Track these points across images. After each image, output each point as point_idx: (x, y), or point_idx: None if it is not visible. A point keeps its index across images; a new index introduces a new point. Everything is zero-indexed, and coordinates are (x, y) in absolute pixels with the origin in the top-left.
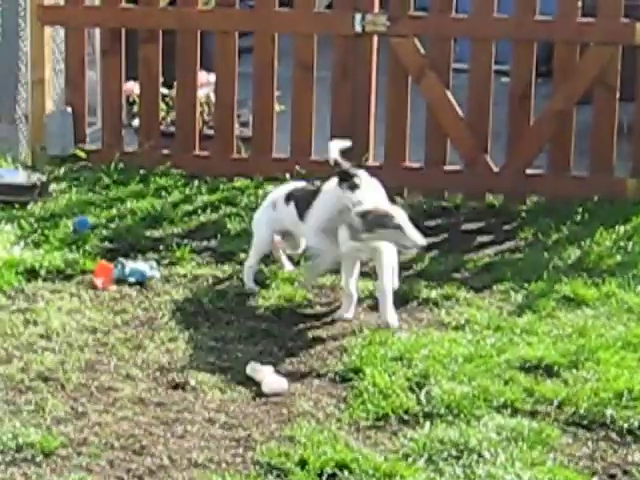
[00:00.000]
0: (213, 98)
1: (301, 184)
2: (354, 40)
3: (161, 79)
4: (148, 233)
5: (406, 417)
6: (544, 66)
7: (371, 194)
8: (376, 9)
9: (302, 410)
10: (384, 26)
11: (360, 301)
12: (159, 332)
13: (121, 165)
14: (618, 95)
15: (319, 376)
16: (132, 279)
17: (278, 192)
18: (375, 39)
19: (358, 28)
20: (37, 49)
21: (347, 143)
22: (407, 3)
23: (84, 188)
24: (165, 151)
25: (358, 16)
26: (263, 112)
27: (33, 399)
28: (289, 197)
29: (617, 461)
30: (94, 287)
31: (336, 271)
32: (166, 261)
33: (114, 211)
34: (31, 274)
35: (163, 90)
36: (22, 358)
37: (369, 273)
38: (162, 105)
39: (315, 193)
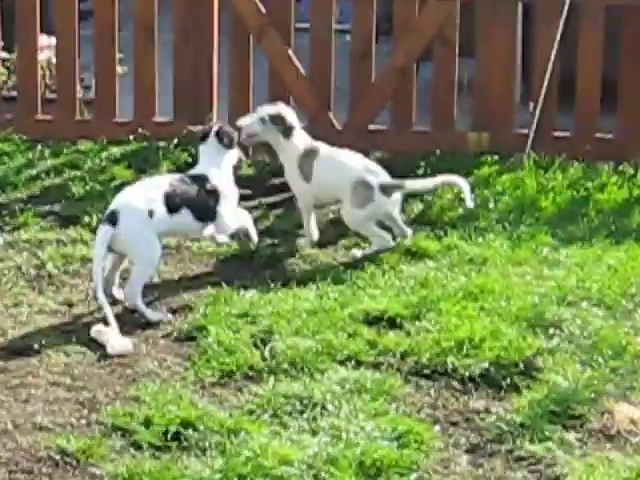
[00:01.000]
0: (55, 61)
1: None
2: (194, 1)
3: (1, 43)
4: None
5: (251, 373)
6: (386, 24)
7: None
8: None
9: (147, 370)
10: None
11: (204, 260)
12: (2, 298)
13: None
14: (458, 51)
15: (164, 336)
16: None
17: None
18: None
19: None
20: None
21: None
22: None
23: None
24: (7, 116)
25: None
26: (105, 75)
27: None
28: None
29: (459, 408)
30: None
31: None
32: (9, 227)
33: None
34: None
35: (3, 54)
36: None
37: None
38: (2, 69)
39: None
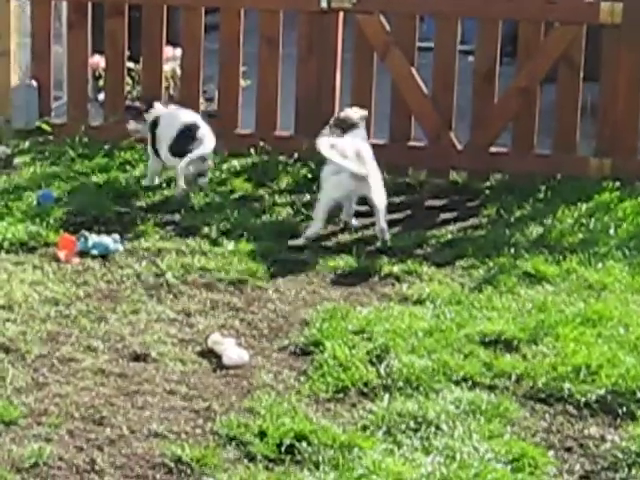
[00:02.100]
0: (179, 73)
1: None
2: (320, 16)
3: (127, 53)
4: (112, 207)
5: (365, 390)
6: (509, 46)
7: None
8: None
9: (262, 382)
10: (350, 2)
11: (323, 276)
12: (121, 304)
13: (86, 139)
14: (582, 74)
15: (280, 349)
16: (95, 252)
17: None
18: (341, 15)
19: (324, 4)
20: (2, 21)
21: None
22: None
23: (49, 161)
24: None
25: None
26: (229, 87)
27: None
28: None
29: (574, 434)
30: (57, 260)
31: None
32: (130, 234)
33: (78, 184)
34: None
35: (129, 64)
36: None
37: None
38: (128, 79)
39: None
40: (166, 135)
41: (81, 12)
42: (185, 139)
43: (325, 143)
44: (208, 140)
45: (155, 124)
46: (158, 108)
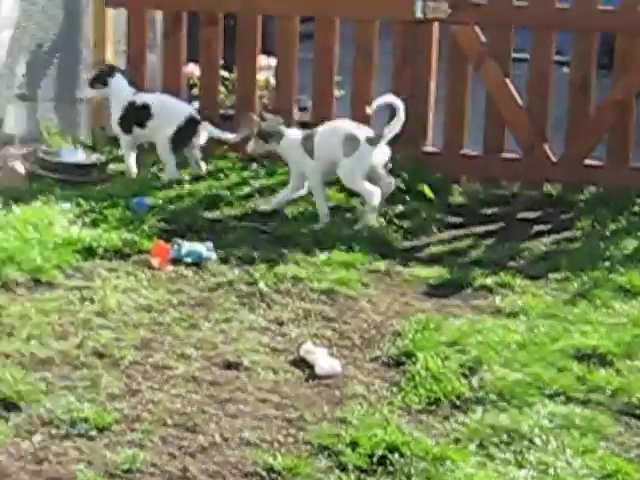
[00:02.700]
0: (273, 82)
1: None
2: (415, 26)
3: (221, 62)
4: (205, 214)
5: (458, 402)
6: (605, 58)
7: None
8: None
9: (354, 392)
10: (445, 13)
11: (415, 287)
12: (214, 312)
13: None
14: None
15: (372, 359)
16: (188, 259)
17: None
18: (436, 26)
19: (419, 14)
20: (99, 31)
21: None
22: None
23: (142, 169)
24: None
25: (419, 3)
26: (323, 97)
27: (88, 375)
28: None
29: None
30: (150, 267)
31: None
32: (222, 243)
33: (172, 192)
34: (89, 252)
35: (223, 73)
36: (78, 335)
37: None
38: (222, 88)
39: None
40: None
41: (176, 21)
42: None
43: None
44: None
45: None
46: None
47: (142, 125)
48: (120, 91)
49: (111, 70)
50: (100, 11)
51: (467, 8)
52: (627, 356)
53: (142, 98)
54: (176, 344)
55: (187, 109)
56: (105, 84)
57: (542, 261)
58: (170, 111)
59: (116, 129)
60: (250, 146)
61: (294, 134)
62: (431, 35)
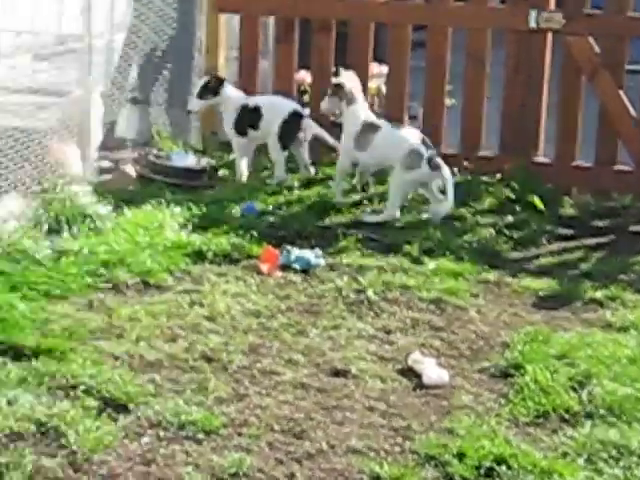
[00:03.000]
0: (384, 90)
1: None
2: (528, 36)
3: (333, 69)
4: (315, 221)
5: (566, 416)
6: None
7: None
8: (552, 6)
9: (462, 403)
10: (559, 23)
11: (524, 298)
12: (322, 319)
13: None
14: None
15: (480, 370)
16: (297, 266)
17: None
18: (549, 36)
19: (533, 24)
20: (212, 36)
21: None
22: (583, 1)
23: (252, 174)
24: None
25: (533, 12)
26: (434, 105)
27: (196, 378)
28: None
29: None
30: (259, 272)
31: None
32: (331, 249)
33: (281, 198)
34: (198, 256)
35: (334, 80)
36: (187, 338)
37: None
38: None
39: None
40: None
41: (288, 27)
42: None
43: None
44: None
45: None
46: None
47: (255, 127)
48: (233, 97)
49: (220, 80)
50: (213, 17)
51: (581, 18)
52: None
53: (253, 101)
54: (284, 350)
55: (291, 104)
56: (216, 94)
57: None
58: (276, 108)
59: (230, 133)
60: (323, 104)
61: (364, 110)
62: (544, 45)
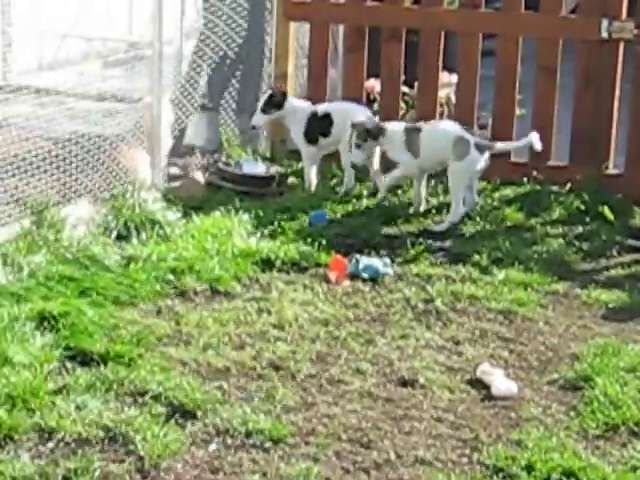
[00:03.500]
0: (453, 99)
1: None
2: (599, 46)
3: (402, 77)
4: (383, 230)
5: (636, 429)
6: None
7: None
8: (624, 15)
9: (531, 415)
10: (631, 33)
11: (594, 310)
12: (390, 328)
13: None
14: None
15: (549, 383)
16: (365, 275)
17: None
18: (621, 46)
19: (604, 34)
20: (282, 44)
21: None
22: None
23: (321, 182)
24: None
25: (605, 22)
26: (504, 115)
27: (264, 386)
28: None
29: None
30: (327, 281)
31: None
32: (400, 259)
33: (350, 207)
34: (266, 264)
35: (404, 88)
36: (254, 346)
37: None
38: (402, 104)
39: None
40: None
41: (358, 35)
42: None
43: None
44: None
45: None
46: None
47: (326, 134)
48: (298, 108)
49: (284, 93)
50: (282, 24)
51: None
52: None
53: (323, 108)
54: (352, 359)
55: (363, 110)
56: (280, 107)
57: None
58: (348, 114)
59: (300, 142)
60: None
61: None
62: (616, 55)
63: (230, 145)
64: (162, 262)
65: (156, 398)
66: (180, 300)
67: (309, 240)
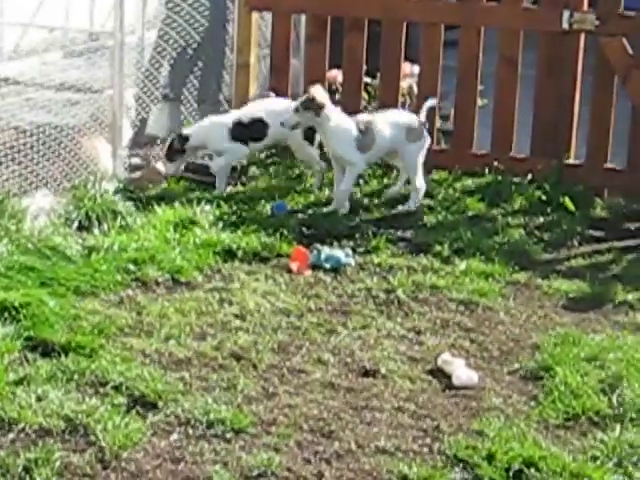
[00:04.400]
0: (416, 90)
1: None
2: (561, 37)
3: (364, 68)
4: (344, 220)
5: (596, 419)
6: None
7: None
8: (585, 6)
9: (491, 405)
10: (592, 24)
11: (554, 300)
12: (352, 318)
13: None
14: None
15: (510, 372)
16: (327, 265)
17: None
18: (582, 37)
19: (565, 25)
20: (244, 34)
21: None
22: (617, 2)
23: (283, 174)
24: None
25: (566, 13)
26: (465, 106)
27: (225, 377)
28: None
29: None
30: (289, 271)
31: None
32: (361, 249)
33: (312, 197)
34: (228, 255)
35: (366, 79)
36: (216, 336)
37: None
38: (364, 94)
39: None
40: None
41: (320, 26)
42: None
43: None
44: None
45: None
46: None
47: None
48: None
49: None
50: (245, 14)
51: (615, 19)
52: None
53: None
54: (313, 349)
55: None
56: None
57: None
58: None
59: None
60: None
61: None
62: (577, 46)
63: None
64: (123, 252)
65: (117, 388)
66: (141, 290)
67: (271, 231)
